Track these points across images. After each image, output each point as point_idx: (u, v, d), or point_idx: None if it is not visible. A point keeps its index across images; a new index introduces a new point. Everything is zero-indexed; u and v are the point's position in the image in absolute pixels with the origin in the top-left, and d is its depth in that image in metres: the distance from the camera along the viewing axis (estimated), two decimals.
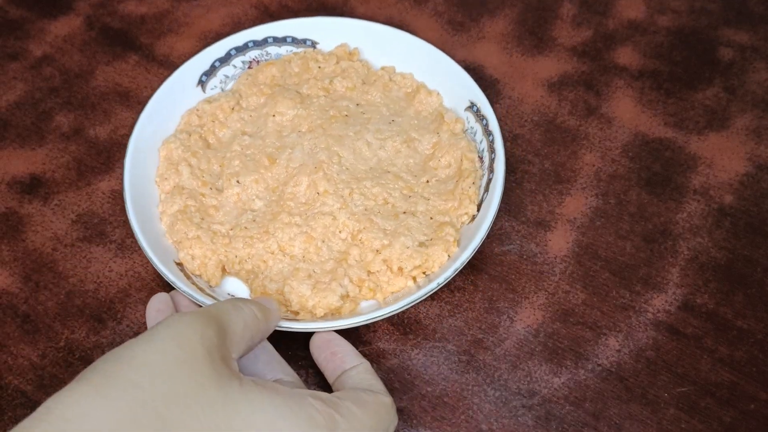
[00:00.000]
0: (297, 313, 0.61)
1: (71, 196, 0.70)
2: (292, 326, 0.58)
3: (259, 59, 0.74)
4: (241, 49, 0.73)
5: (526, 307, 0.63)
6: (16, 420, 0.59)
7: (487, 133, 0.66)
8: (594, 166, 0.71)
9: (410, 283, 0.62)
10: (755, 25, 0.79)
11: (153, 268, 0.65)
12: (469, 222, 0.64)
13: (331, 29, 0.74)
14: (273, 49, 0.74)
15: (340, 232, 0.63)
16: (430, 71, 0.72)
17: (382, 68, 0.74)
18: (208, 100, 0.71)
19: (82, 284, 0.65)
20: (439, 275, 0.60)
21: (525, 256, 0.66)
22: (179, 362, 0.43)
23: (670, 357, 0.61)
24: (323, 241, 0.63)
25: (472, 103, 0.68)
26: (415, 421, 0.58)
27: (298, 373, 0.60)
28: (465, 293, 0.64)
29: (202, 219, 0.65)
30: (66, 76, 0.78)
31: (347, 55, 0.74)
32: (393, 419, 0.52)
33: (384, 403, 0.51)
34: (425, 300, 0.63)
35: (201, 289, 0.60)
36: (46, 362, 0.62)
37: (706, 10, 0.80)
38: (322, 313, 0.60)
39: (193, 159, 0.68)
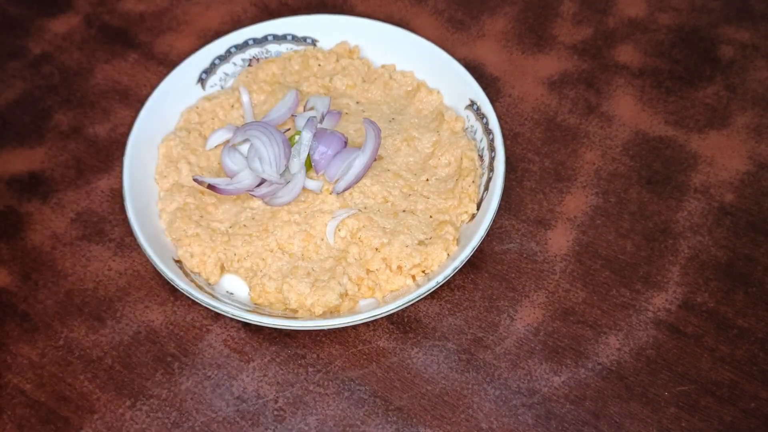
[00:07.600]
0: (296, 311, 0.61)
1: (70, 195, 0.70)
2: (291, 324, 0.58)
3: (259, 57, 0.74)
4: (241, 47, 0.73)
5: (526, 306, 0.63)
6: (16, 419, 0.59)
7: (487, 131, 0.66)
8: (594, 164, 0.70)
9: (409, 281, 0.62)
10: (756, 22, 0.79)
11: (152, 266, 0.65)
12: (469, 221, 0.64)
13: (332, 27, 0.74)
14: (273, 47, 0.74)
15: (339, 230, 0.63)
16: (430, 69, 0.72)
17: (383, 66, 0.73)
18: (208, 98, 0.71)
19: (81, 283, 0.65)
20: (438, 274, 0.60)
21: (525, 255, 0.66)
22: None
23: (671, 356, 0.61)
24: (322, 239, 0.63)
25: (472, 101, 0.68)
26: (415, 420, 0.58)
27: (297, 372, 0.60)
28: (465, 292, 0.64)
29: (201, 217, 0.65)
30: (65, 74, 0.78)
31: (347, 52, 0.74)
32: None
33: None
34: (425, 298, 0.63)
35: (200, 287, 0.60)
36: (45, 361, 0.61)
37: (706, 8, 0.80)
38: (320, 311, 0.60)
39: (192, 156, 0.67)
